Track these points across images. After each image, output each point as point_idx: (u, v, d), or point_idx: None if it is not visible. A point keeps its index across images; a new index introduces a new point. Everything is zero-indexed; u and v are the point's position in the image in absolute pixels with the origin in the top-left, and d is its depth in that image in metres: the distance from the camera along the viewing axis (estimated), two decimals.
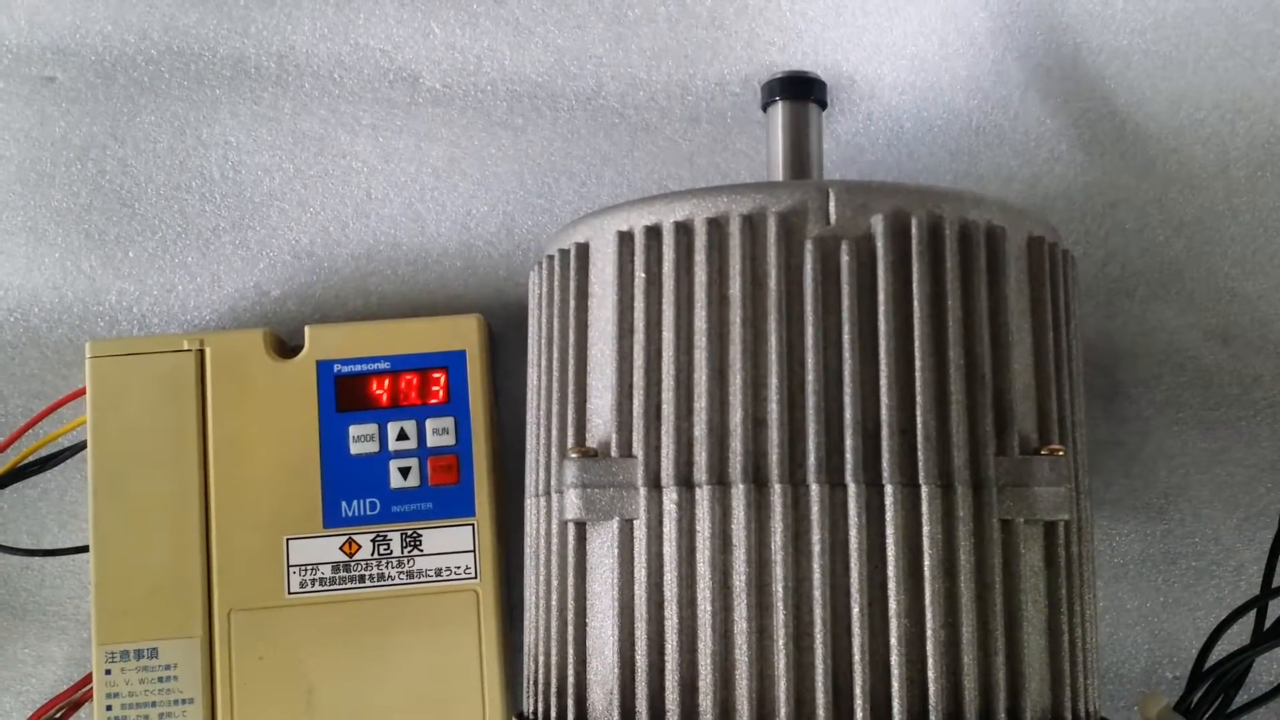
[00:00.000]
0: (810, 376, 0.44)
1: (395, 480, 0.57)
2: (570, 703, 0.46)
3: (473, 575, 0.57)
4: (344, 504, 0.57)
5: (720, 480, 0.44)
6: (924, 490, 0.43)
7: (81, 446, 0.58)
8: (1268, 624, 0.56)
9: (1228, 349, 0.63)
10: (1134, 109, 0.65)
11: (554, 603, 0.47)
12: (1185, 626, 0.62)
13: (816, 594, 0.43)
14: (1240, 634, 0.56)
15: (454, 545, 0.57)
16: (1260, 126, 0.64)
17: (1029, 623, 0.44)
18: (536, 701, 0.48)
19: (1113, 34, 0.65)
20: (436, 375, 0.58)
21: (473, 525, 0.57)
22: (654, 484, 0.45)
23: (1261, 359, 0.63)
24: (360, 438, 0.57)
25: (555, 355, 0.49)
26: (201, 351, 0.58)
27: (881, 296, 0.44)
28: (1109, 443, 0.62)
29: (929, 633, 0.43)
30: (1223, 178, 0.64)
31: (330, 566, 0.56)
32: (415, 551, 0.57)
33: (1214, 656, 0.56)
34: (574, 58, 0.65)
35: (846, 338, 0.44)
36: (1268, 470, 0.62)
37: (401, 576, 0.56)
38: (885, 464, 0.43)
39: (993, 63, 0.65)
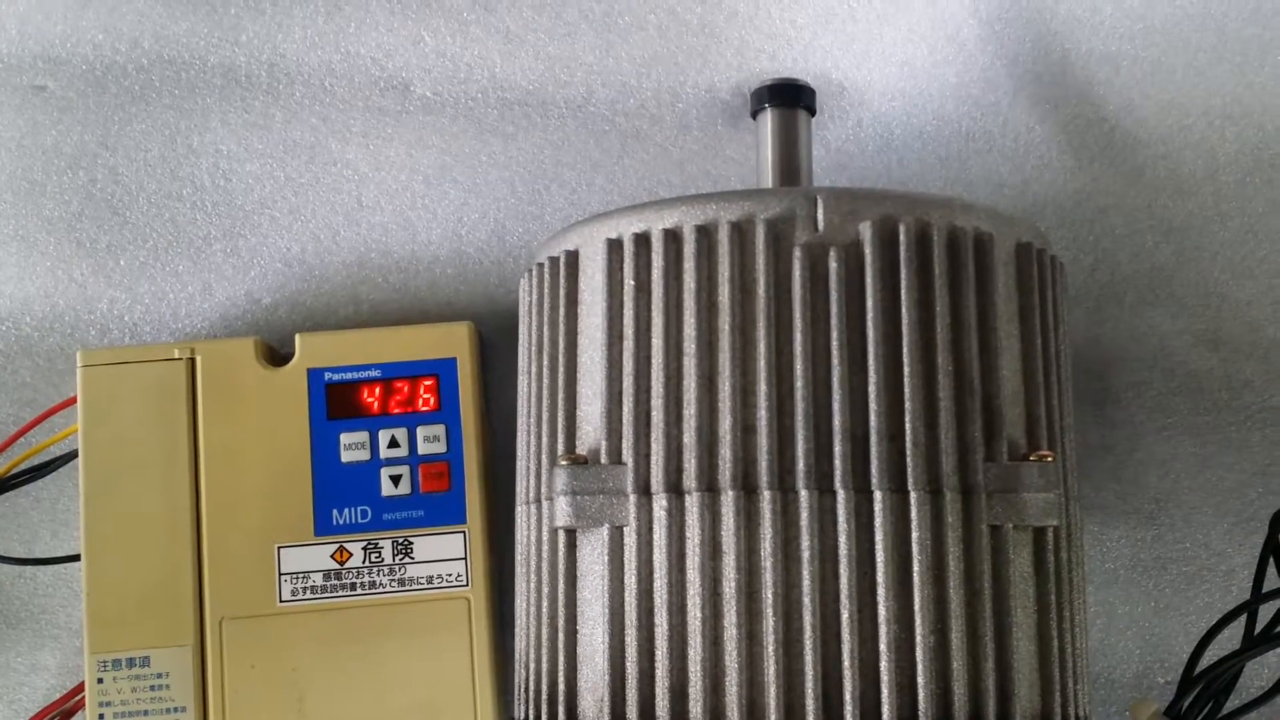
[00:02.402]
0: (799, 383, 0.44)
1: (386, 488, 0.57)
2: (561, 709, 0.46)
3: (464, 583, 0.57)
4: (335, 512, 0.57)
5: (710, 487, 0.44)
6: (913, 496, 0.43)
7: (73, 455, 0.58)
8: (1258, 629, 0.56)
9: (1217, 354, 0.63)
10: (1123, 115, 0.65)
11: (545, 610, 0.47)
12: (1176, 632, 0.62)
13: (806, 600, 0.43)
14: (1231, 639, 0.56)
15: (445, 553, 0.57)
16: (1249, 132, 0.64)
17: (1018, 628, 0.45)
18: (528, 708, 0.48)
19: (1101, 40, 0.65)
20: (427, 383, 0.58)
21: (464, 533, 0.57)
22: (644, 491, 0.45)
23: (1251, 364, 0.63)
24: (351, 445, 0.57)
25: (545, 362, 0.49)
26: (192, 360, 0.58)
27: (870, 303, 0.45)
28: (1098, 448, 0.63)
29: (918, 638, 0.43)
30: (1211, 183, 0.64)
31: (322, 574, 0.56)
32: (407, 559, 0.57)
33: (1204, 661, 0.56)
34: (564, 65, 0.65)
35: (835, 344, 0.44)
36: (1258, 475, 0.62)
37: (393, 584, 0.56)
38: (874, 470, 0.44)
39: (982, 69, 0.65)
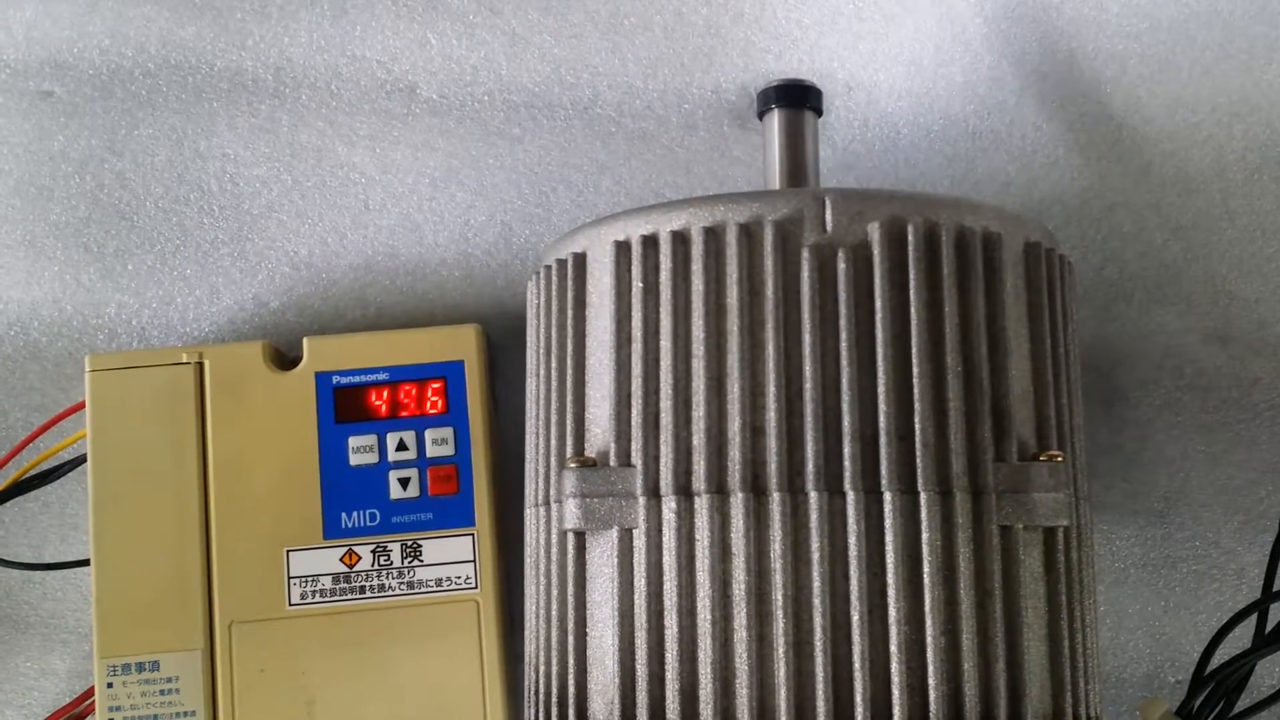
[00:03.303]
0: (808, 384, 0.44)
1: (395, 491, 0.57)
2: (571, 712, 0.46)
3: (473, 585, 0.57)
4: (344, 515, 0.57)
5: (719, 489, 0.44)
6: (923, 497, 0.43)
7: (82, 460, 0.58)
8: (1269, 627, 0.56)
9: (1226, 352, 0.63)
10: (1130, 113, 0.65)
11: (554, 612, 0.47)
12: (1186, 630, 0.62)
13: (816, 602, 0.43)
14: (1241, 638, 0.56)
15: (454, 555, 0.57)
16: (1257, 129, 0.64)
17: (1029, 629, 0.44)
18: (538, 711, 0.48)
19: (1108, 38, 0.65)
20: (435, 385, 0.58)
21: (473, 535, 0.57)
22: (653, 493, 0.45)
23: (1260, 361, 0.63)
24: (359, 449, 0.57)
25: (554, 365, 0.49)
26: (200, 364, 0.58)
27: (878, 304, 0.44)
28: (1108, 447, 0.62)
29: (929, 639, 0.43)
30: (1219, 181, 0.64)
31: (331, 578, 0.56)
32: (415, 562, 0.57)
33: (1215, 660, 0.56)
34: (570, 67, 0.65)
35: (844, 345, 0.44)
36: (1268, 473, 0.62)
37: (402, 587, 0.56)
38: (884, 471, 0.43)
39: (989, 68, 0.65)
